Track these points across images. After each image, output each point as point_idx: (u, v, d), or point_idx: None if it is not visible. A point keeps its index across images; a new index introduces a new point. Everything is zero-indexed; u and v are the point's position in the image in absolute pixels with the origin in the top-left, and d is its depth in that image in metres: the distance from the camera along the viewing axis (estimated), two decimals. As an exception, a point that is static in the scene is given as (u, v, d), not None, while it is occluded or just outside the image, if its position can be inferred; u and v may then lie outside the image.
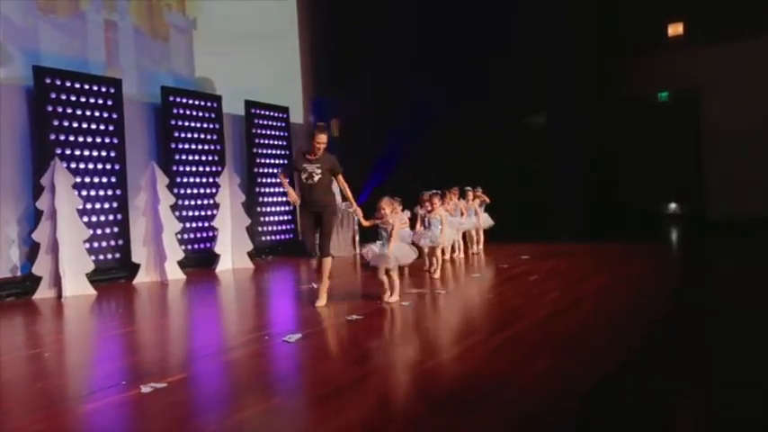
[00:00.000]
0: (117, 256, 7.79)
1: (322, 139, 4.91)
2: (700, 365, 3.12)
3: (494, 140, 11.31)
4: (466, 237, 8.60)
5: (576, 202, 11.28)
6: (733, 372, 2.95)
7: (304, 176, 4.99)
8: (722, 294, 5.15)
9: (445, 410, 2.60)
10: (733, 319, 4.17)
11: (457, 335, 4.15)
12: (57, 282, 6.69)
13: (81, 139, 7.46)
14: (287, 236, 10.83)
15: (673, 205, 13.03)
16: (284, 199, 10.78)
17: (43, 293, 6.66)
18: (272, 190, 10.51)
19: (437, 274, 6.51)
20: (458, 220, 7.84)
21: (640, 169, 12.05)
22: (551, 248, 8.91)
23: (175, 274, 7.82)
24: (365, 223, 5.23)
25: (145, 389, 3.01)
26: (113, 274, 7.72)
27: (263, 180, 10.33)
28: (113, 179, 7.78)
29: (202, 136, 9.16)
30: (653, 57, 11.78)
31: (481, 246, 8.80)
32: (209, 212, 9.09)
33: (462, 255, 8.39)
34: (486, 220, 8.68)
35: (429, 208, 6.65)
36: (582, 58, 11.00)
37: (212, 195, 9.02)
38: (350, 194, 5.16)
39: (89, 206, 7.42)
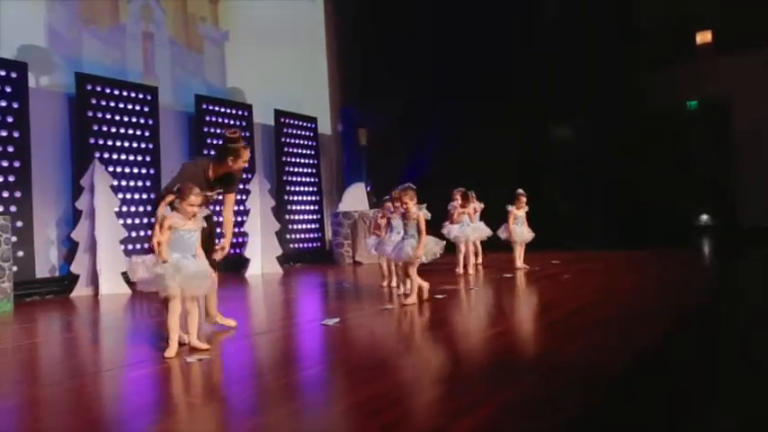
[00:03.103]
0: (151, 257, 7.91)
1: (248, 156, 3.75)
2: (731, 356, 3.05)
3: (521, 150, 11.29)
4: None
5: (604, 212, 11.15)
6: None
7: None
8: (756, 296, 5.03)
9: (492, 377, 2.60)
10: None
11: (497, 320, 4.13)
12: (94, 280, 6.84)
13: (119, 143, 7.68)
14: (314, 244, 10.90)
15: (704, 216, 12.77)
16: (312, 207, 10.91)
17: (80, 291, 6.81)
18: (300, 198, 10.64)
19: (410, 300, 4.65)
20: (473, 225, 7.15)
21: (670, 180, 11.87)
22: (580, 255, 8.80)
23: (207, 277, 7.91)
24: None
25: (190, 359, 3.06)
26: (147, 276, 7.84)
27: (292, 188, 10.47)
28: (148, 183, 7.97)
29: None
30: (681, 65, 11.71)
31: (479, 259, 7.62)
32: (239, 218, 9.22)
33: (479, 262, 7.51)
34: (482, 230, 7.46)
35: (402, 209, 4.80)
36: (609, 67, 10.98)
37: (242, 201, 9.16)
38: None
39: (125, 208, 7.60)
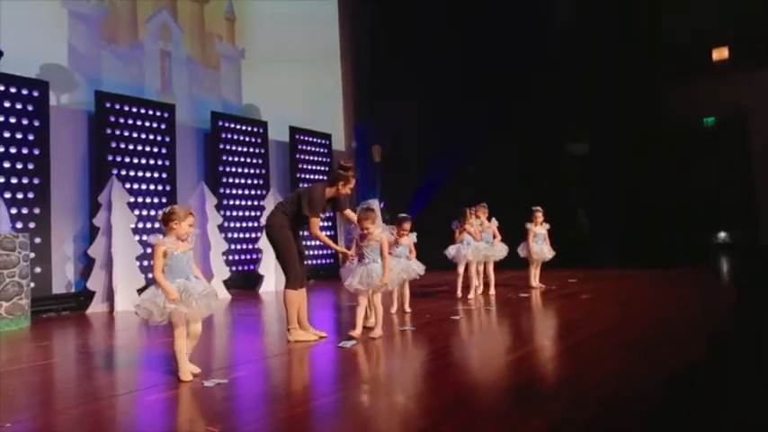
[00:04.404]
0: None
1: (354, 183, 4.50)
2: (754, 382, 2.95)
3: (536, 166, 11.24)
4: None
5: (620, 230, 11.02)
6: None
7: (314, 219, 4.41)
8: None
9: (513, 404, 2.53)
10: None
11: (517, 344, 4.05)
12: (109, 296, 6.87)
13: (136, 160, 7.76)
14: (327, 260, 10.88)
15: (722, 234, 12.58)
16: (326, 224, 10.90)
17: (96, 308, 6.84)
18: (313, 214, 10.64)
19: (377, 333, 4.25)
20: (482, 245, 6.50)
21: (687, 197, 11.73)
22: (597, 273, 8.69)
23: (220, 294, 7.91)
24: None
25: (208, 383, 3.03)
26: (161, 292, 7.85)
27: (306, 204, 10.48)
28: (164, 199, 8.02)
29: (249, 160, 9.41)
30: (698, 82, 11.63)
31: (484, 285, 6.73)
32: (253, 234, 9.24)
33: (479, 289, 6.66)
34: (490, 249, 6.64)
35: (364, 231, 4.29)
36: (626, 84, 10.94)
37: (257, 218, 9.19)
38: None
39: (141, 225, 7.65)
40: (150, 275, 7.53)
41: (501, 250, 6.68)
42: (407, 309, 5.48)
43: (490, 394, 2.71)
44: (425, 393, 2.81)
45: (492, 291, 6.69)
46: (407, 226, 5.24)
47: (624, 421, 2.23)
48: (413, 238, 5.26)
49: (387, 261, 4.24)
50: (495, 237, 6.69)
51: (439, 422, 2.31)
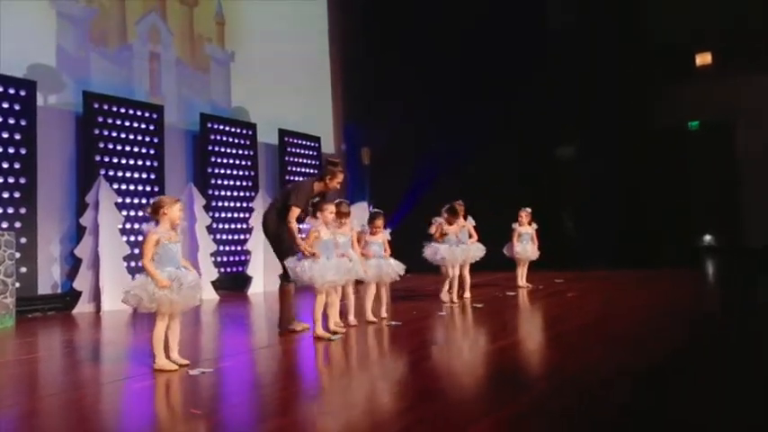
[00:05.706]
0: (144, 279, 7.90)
1: (341, 178, 4.61)
2: (747, 373, 3.02)
3: (525, 169, 11.33)
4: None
5: (606, 233, 11.13)
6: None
7: (299, 215, 4.42)
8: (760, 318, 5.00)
9: (491, 391, 2.58)
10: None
11: (501, 335, 4.10)
12: (96, 296, 6.83)
13: (124, 161, 7.74)
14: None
15: (707, 237, 12.74)
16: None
17: (82, 308, 6.80)
18: (302, 217, 10.66)
19: (352, 320, 4.55)
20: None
21: (672, 200, 11.87)
22: (583, 274, 8.77)
23: (208, 294, 7.89)
24: None
25: (193, 372, 3.04)
26: (149, 293, 7.82)
27: (295, 207, 10.48)
28: (152, 200, 7.99)
29: (238, 162, 9.42)
30: (682, 86, 11.80)
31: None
32: (242, 236, 9.23)
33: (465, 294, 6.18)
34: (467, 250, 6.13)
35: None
36: (611, 88, 11.08)
37: (246, 220, 9.19)
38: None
39: (128, 225, 7.62)
40: (137, 276, 7.52)
41: (477, 250, 6.20)
42: (384, 314, 4.96)
43: (469, 382, 2.75)
44: (405, 381, 2.84)
45: (467, 294, 6.24)
46: (380, 222, 4.90)
47: (602, 410, 2.26)
48: (386, 235, 4.92)
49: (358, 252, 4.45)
50: (470, 236, 6.22)
51: (411, 407, 2.34)
